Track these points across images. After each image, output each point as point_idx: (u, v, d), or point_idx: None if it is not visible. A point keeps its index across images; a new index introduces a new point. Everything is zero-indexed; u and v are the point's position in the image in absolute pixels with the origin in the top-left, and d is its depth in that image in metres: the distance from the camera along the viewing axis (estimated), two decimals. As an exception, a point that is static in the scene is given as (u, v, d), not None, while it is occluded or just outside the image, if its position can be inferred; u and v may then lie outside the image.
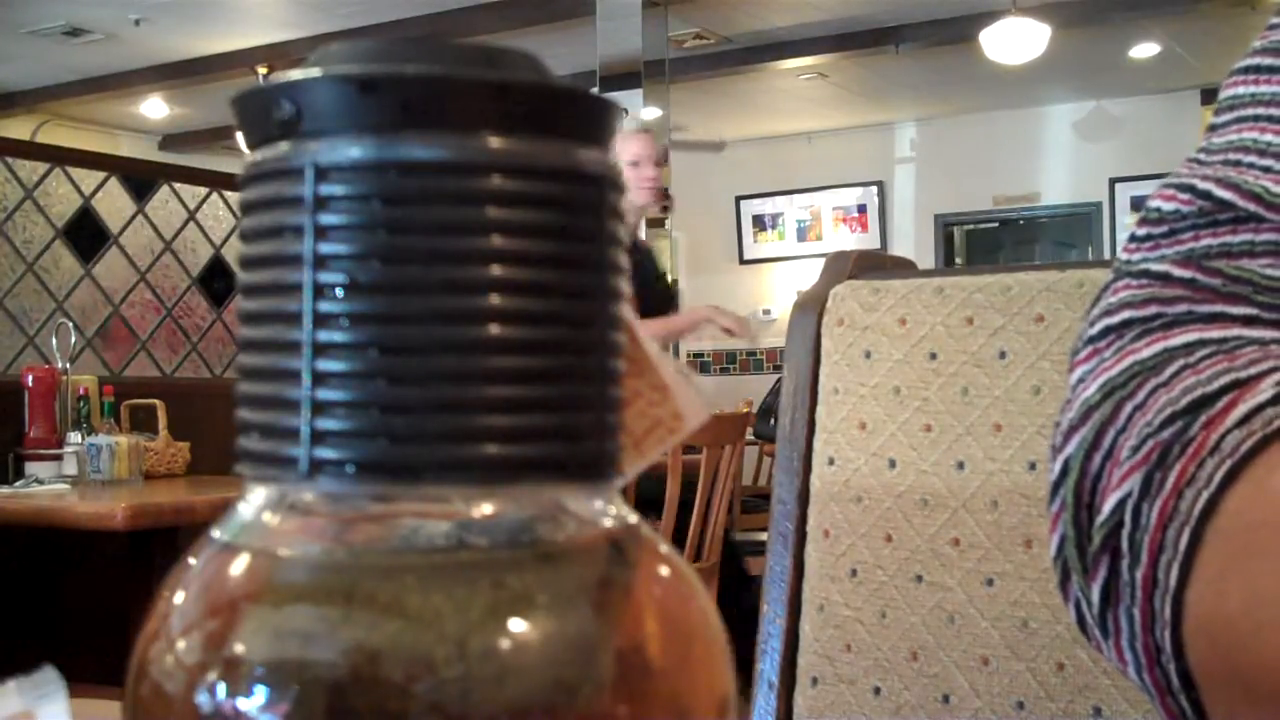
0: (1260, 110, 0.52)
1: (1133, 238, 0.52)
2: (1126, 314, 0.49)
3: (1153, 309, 0.49)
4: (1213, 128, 0.54)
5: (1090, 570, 0.45)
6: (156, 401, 3.25)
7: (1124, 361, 0.47)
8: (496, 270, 0.22)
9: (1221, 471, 0.40)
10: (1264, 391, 0.41)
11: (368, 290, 0.22)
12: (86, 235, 3.51)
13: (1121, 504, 0.43)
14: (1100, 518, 0.44)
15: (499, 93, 0.22)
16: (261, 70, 7.29)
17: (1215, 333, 0.47)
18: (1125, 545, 0.43)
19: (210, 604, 0.23)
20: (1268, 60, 0.53)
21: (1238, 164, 0.50)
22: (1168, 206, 0.51)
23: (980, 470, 0.89)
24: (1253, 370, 0.43)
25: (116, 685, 0.24)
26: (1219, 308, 0.48)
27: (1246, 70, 0.54)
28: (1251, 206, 0.48)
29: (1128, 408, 0.45)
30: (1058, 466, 0.47)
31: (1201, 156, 0.52)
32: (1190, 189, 0.50)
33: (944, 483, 0.90)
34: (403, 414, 0.22)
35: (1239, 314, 0.47)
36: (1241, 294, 0.48)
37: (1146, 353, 0.47)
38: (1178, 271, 0.49)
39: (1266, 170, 0.49)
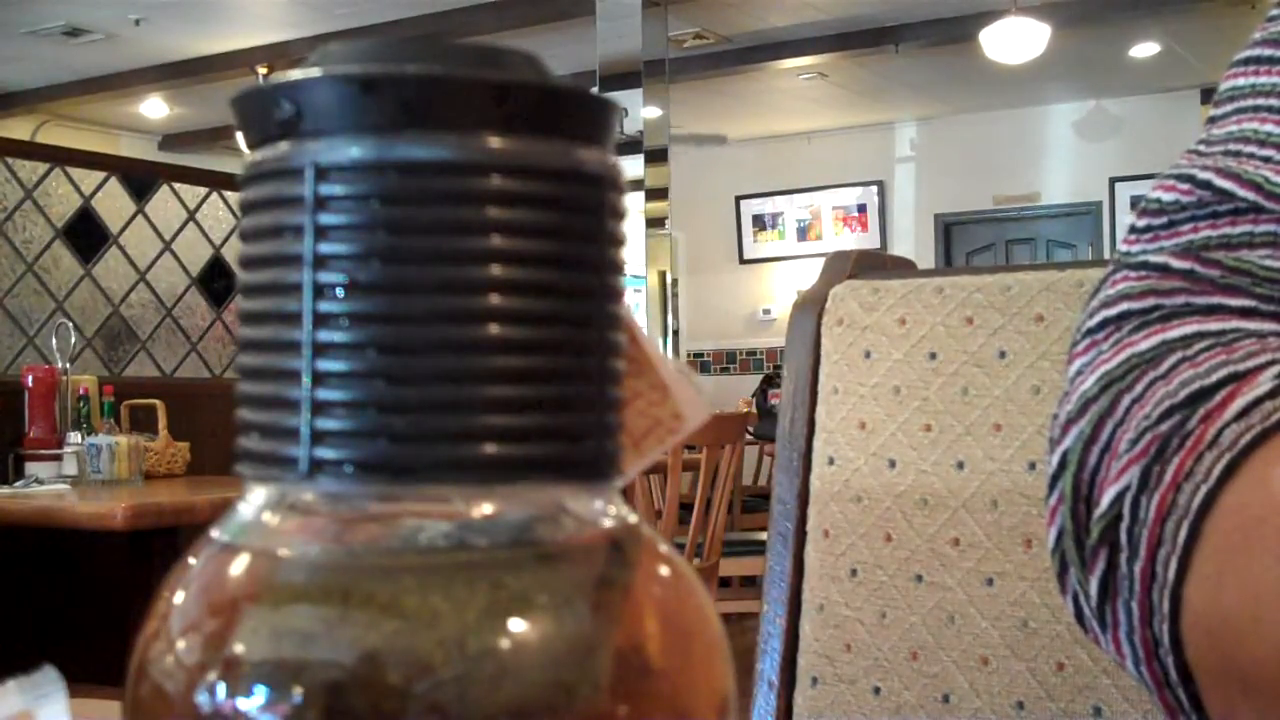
0: (1260, 101, 0.52)
1: (1132, 229, 0.52)
2: (1124, 306, 0.49)
3: (1151, 301, 0.49)
4: (1213, 119, 0.54)
5: (1088, 563, 0.45)
6: (156, 401, 3.26)
7: (1122, 354, 0.47)
8: (496, 270, 0.22)
9: (1220, 465, 0.40)
10: (1262, 384, 0.41)
11: (368, 290, 0.22)
12: (86, 235, 3.52)
13: (1120, 497, 0.43)
14: (1098, 511, 0.44)
15: (499, 92, 0.22)
16: (261, 70, 7.29)
17: (1213, 325, 0.46)
18: (1123, 538, 0.43)
19: (210, 604, 0.23)
20: (1267, 51, 0.53)
21: (1238, 154, 0.50)
22: (1167, 197, 0.50)
23: (980, 470, 0.89)
24: (1251, 363, 0.43)
25: (116, 685, 0.24)
26: (1217, 299, 0.47)
27: (1246, 61, 0.54)
28: (1251, 196, 0.48)
29: (1125, 400, 0.45)
30: (1056, 459, 0.47)
31: (1201, 147, 0.52)
32: (1190, 179, 0.50)
33: (944, 483, 0.90)
34: (403, 414, 0.22)
35: (1237, 306, 0.47)
36: (1240, 286, 0.48)
37: (1144, 345, 0.47)
38: (1176, 263, 0.49)
39: (1267, 160, 0.49)
